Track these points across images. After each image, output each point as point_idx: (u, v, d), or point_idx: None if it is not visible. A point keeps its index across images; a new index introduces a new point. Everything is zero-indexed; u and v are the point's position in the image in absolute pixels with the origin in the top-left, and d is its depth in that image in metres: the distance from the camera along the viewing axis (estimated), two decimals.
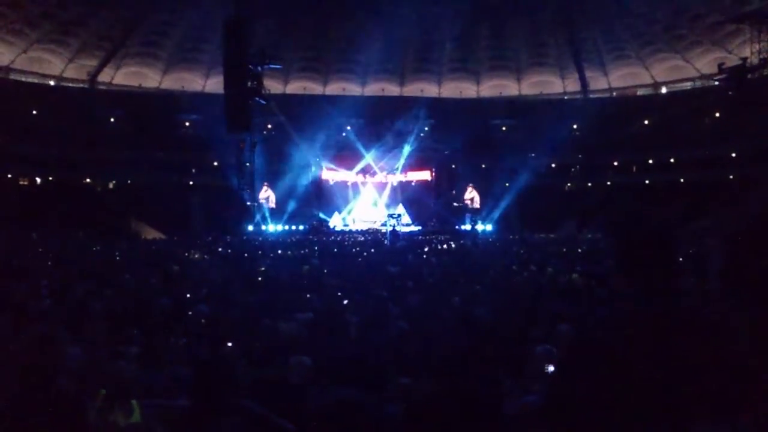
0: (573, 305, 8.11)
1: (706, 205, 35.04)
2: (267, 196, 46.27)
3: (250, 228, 40.48)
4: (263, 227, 41.70)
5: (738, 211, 0.92)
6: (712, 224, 26.87)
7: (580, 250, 22.59)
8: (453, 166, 49.89)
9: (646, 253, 1.86)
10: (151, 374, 4.92)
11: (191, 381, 3.24)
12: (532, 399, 3.77)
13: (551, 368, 4.34)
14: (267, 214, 43.00)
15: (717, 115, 45.37)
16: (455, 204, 45.83)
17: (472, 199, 46.79)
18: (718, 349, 1.54)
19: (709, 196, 37.16)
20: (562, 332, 5.57)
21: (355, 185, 50.56)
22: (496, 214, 43.90)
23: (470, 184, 47.45)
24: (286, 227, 43.52)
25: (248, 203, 41.03)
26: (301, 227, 43.79)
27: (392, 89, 56.38)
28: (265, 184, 45.82)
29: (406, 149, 48.29)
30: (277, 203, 46.20)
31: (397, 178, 50.39)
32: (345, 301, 9.24)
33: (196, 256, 21.09)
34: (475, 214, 43.63)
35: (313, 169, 48.44)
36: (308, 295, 9.57)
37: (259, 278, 13.17)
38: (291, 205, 45.13)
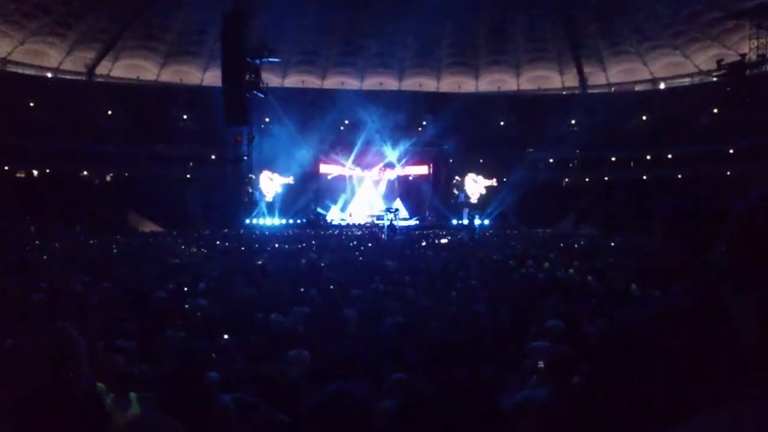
0: (570, 301, 8.13)
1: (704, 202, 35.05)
2: (268, 186, 46.17)
3: (248, 221, 40.51)
4: (261, 221, 41.72)
5: (739, 204, 0.91)
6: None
7: (577, 246, 22.64)
8: (450, 161, 49.89)
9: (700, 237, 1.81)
10: (148, 368, 4.93)
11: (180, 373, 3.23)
12: (529, 394, 3.79)
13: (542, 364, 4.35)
14: (265, 208, 42.98)
15: (715, 111, 45.34)
16: (453, 199, 46.00)
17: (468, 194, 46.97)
18: (721, 342, 1.55)
19: (707, 193, 37.20)
20: (558, 328, 5.59)
21: (352, 179, 50.53)
22: (494, 209, 43.96)
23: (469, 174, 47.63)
24: (284, 221, 43.55)
25: (245, 197, 41.02)
26: (298, 221, 43.82)
27: (391, 83, 56.26)
28: (267, 174, 45.71)
29: (405, 144, 48.24)
30: (274, 197, 46.17)
31: (395, 172, 50.35)
32: (342, 296, 9.25)
33: (194, 249, 21.09)
34: (473, 209, 43.68)
35: (311, 162, 48.36)
36: (306, 289, 9.58)
37: (257, 272, 13.17)
38: (289, 199, 45.14)
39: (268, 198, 45.07)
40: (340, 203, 49.43)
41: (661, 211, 1.92)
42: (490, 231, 37.91)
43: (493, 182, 48.27)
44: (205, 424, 2.71)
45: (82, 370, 2.81)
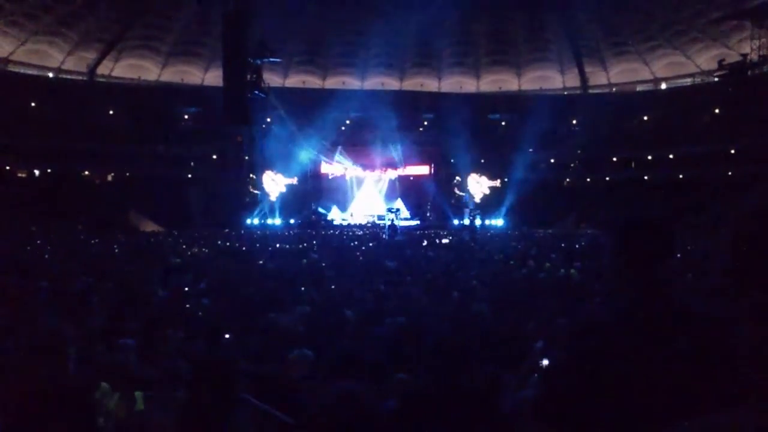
0: (571, 300, 8.13)
1: (705, 202, 35.09)
2: (270, 186, 46.18)
3: (249, 221, 40.53)
4: (262, 220, 41.72)
5: (743, 206, 0.92)
6: (715, 221, 26.89)
7: (578, 246, 22.60)
8: (452, 161, 49.90)
9: (643, 247, 1.86)
10: (148, 367, 4.93)
11: (190, 374, 3.26)
12: (528, 394, 3.79)
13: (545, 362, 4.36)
14: (267, 208, 43.00)
15: (716, 111, 45.34)
16: (454, 198, 46.06)
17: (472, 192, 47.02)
18: (717, 345, 1.55)
19: (708, 193, 37.19)
20: (560, 327, 5.59)
21: (353, 179, 50.56)
22: (502, 208, 44.05)
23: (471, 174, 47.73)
24: (285, 221, 43.57)
25: (247, 197, 41.06)
26: (300, 221, 43.83)
27: (392, 83, 56.29)
28: (270, 174, 45.75)
29: (406, 143, 48.27)
30: (278, 197, 46.22)
31: (396, 172, 50.38)
32: (343, 296, 9.24)
33: (195, 249, 21.08)
34: (475, 209, 43.68)
35: (313, 163, 48.38)
36: (307, 289, 9.58)
37: (258, 272, 13.18)
38: (291, 200, 45.16)
39: (272, 198, 45.14)
40: (341, 203, 49.45)
41: (612, 224, 1.95)
42: (490, 232, 37.88)
43: (497, 183, 48.32)
44: (217, 425, 2.72)
45: (69, 360, 2.80)
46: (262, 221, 41.81)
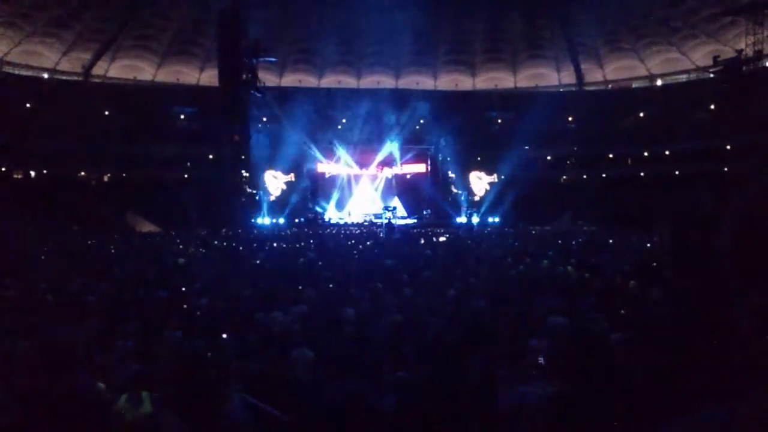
0: (568, 297, 8.14)
1: (702, 198, 35.10)
2: (270, 185, 46.15)
3: (260, 220, 40.59)
4: (260, 220, 41.65)
5: (743, 198, 0.92)
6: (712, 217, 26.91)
7: (575, 243, 22.63)
8: (448, 159, 49.89)
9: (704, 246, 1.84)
10: (146, 366, 4.93)
11: (187, 374, 3.26)
12: (527, 390, 3.79)
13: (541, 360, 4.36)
14: (265, 207, 42.92)
15: (712, 107, 45.42)
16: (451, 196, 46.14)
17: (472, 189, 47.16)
18: (717, 337, 1.56)
19: (704, 189, 37.20)
20: (557, 325, 5.60)
21: (350, 177, 50.47)
22: (499, 206, 44.08)
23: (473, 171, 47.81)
24: (283, 220, 43.54)
25: (244, 196, 40.95)
26: (297, 220, 43.78)
27: (388, 82, 56.23)
28: (271, 173, 45.71)
29: (401, 142, 48.23)
30: (278, 195, 46.20)
31: (393, 170, 50.32)
32: (340, 294, 9.24)
33: (192, 249, 21.06)
34: (472, 207, 43.75)
35: (309, 161, 48.30)
36: (304, 288, 9.58)
37: (255, 271, 13.17)
38: (286, 198, 45.10)
39: (273, 197, 45.12)
40: (338, 202, 49.37)
41: (670, 224, 1.96)
42: (487, 229, 37.89)
43: (494, 179, 48.43)
44: (210, 423, 2.72)
45: (80, 370, 2.80)
46: (264, 220, 41.77)
